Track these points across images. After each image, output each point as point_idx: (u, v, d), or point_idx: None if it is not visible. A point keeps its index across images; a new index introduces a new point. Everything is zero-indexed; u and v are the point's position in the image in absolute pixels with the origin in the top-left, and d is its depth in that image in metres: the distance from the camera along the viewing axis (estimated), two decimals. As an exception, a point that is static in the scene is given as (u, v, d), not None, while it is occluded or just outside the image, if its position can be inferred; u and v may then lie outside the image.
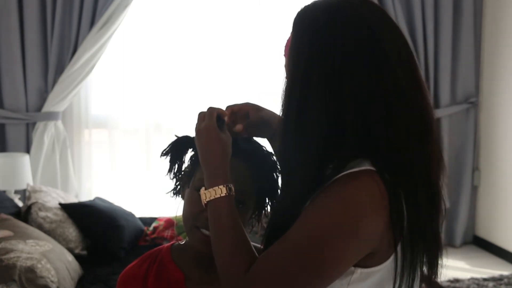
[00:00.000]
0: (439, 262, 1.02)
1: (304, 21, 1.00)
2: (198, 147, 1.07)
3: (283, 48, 1.07)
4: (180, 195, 1.19)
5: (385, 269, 0.95)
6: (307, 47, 0.96)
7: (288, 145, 0.98)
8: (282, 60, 1.07)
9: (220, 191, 1.01)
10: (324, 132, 0.93)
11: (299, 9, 1.01)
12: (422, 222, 0.95)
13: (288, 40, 1.05)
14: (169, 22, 4.21)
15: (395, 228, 0.92)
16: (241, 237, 0.99)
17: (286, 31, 1.09)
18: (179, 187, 1.18)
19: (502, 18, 4.16)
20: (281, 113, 1.00)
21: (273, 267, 0.92)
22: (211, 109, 1.09)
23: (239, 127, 1.13)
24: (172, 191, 1.19)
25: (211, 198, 1.01)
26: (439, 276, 1.02)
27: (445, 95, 4.27)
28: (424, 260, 0.98)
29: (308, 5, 1.01)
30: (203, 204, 1.03)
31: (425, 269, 1.00)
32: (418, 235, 0.95)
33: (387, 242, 0.93)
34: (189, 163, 1.17)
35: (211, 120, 1.07)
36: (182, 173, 1.17)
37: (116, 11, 3.79)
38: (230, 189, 1.01)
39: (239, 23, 4.29)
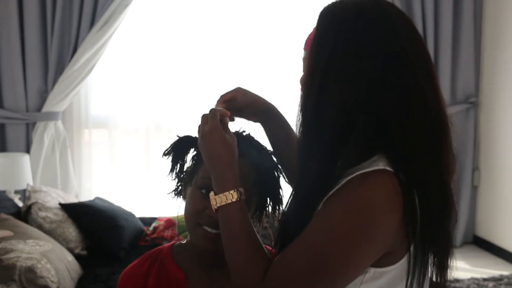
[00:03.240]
0: (449, 264, 1.01)
1: (331, 14, 0.99)
2: (203, 151, 1.05)
3: (304, 42, 1.07)
4: (181, 196, 1.19)
5: (397, 269, 0.96)
6: (332, 38, 0.95)
7: (305, 138, 0.97)
8: (300, 54, 1.08)
9: (231, 196, 1.00)
10: (339, 126, 0.93)
11: (326, 4, 1.01)
12: (434, 223, 0.95)
13: (310, 34, 1.05)
14: (169, 22, 4.21)
15: (409, 228, 0.92)
16: (255, 243, 0.98)
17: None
18: (180, 187, 1.18)
19: (502, 18, 4.16)
20: (299, 106, 0.99)
21: (290, 272, 0.91)
22: (213, 111, 1.08)
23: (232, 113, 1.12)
24: (174, 192, 1.19)
25: (222, 204, 1.00)
26: (448, 279, 1.01)
27: (445, 95, 4.17)
28: (435, 261, 0.99)
29: (336, 1, 1.01)
30: (213, 209, 1.02)
31: (434, 272, 1.00)
32: (430, 235, 0.95)
33: (401, 242, 0.93)
34: (191, 162, 1.17)
35: (214, 122, 1.05)
36: (184, 173, 1.17)
37: (116, 11, 3.79)
38: (240, 193, 1.00)
39: (239, 23, 4.29)
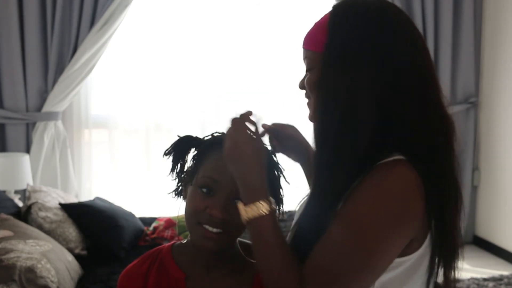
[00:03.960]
0: (456, 261, 1.06)
1: (354, 9, 0.99)
2: (231, 158, 1.01)
3: (304, 39, 1.05)
4: (181, 196, 1.19)
5: (415, 258, 0.97)
6: (361, 31, 0.96)
7: (334, 142, 0.96)
8: (298, 53, 1.07)
9: (262, 206, 0.98)
10: (370, 130, 0.95)
11: (342, 2, 1.02)
12: (447, 214, 0.98)
13: (311, 31, 1.04)
14: (169, 22, 4.21)
15: (431, 215, 0.95)
16: (289, 253, 0.97)
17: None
18: (181, 187, 1.18)
19: (502, 18, 4.16)
20: (319, 112, 0.99)
21: (326, 273, 0.92)
22: (243, 116, 1.07)
23: (275, 142, 1.11)
24: (174, 192, 1.19)
25: (254, 216, 0.98)
26: (456, 275, 1.07)
27: (445, 95, 4.26)
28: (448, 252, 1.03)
29: (349, 4, 1.02)
30: (244, 221, 1.00)
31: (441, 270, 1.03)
32: (443, 226, 0.98)
33: (421, 230, 0.96)
34: (192, 162, 1.16)
35: (244, 128, 1.03)
36: (185, 172, 1.17)
37: (116, 11, 3.79)
38: (271, 202, 0.99)
39: (239, 22, 4.29)
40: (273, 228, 0.97)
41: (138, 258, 1.21)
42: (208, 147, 1.14)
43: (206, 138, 1.17)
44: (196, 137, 1.17)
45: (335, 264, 0.91)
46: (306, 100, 1.09)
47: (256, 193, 0.99)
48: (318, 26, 1.03)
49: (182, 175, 1.17)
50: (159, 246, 1.23)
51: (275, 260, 0.95)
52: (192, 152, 1.17)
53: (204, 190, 1.09)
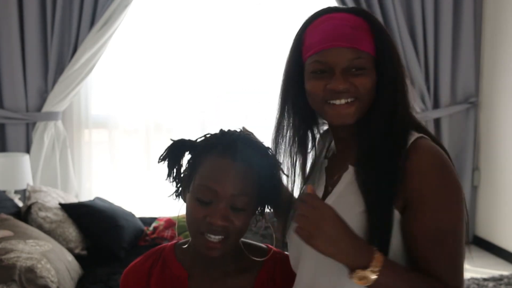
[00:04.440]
0: None
1: (376, 19, 1.13)
2: (328, 236, 0.97)
3: (348, 39, 1.07)
4: (181, 197, 1.19)
5: None
6: (396, 50, 1.13)
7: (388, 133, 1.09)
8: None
9: (371, 270, 0.97)
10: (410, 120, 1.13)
11: (368, 12, 1.15)
12: None
13: (354, 33, 1.07)
14: (169, 22, 4.21)
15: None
16: (414, 276, 1.01)
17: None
18: (180, 190, 1.18)
19: (502, 18, 4.16)
20: (393, 99, 1.10)
21: (454, 264, 1.03)
22: (312, 193, 1.03)
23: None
24: (174, 194, 1.19)
25: (371, 282, 0.97)
26: None
27: (445, 95, 4.27)
28: None
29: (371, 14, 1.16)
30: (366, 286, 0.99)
31: None
32: None
33: None
34: (186, 166, 1.16)
35: (323, 203, 1.00)
36: (182, 176, 1.17)
37: (116, 11, 3.79)
38: (376, 260, 0.97)
39: (239, 22, 4.29)
40: (395, 277, 1.00)
41: (141, 256, 1.22)
42: (202, 152, 1.13)
43: (199, 140, 1.16)
44: (189, 140, 1.16)
45: (455, 253, 1.04)
46: (342, 101, 1.08)
47: (360, 259, 0.98)
48: (358, 28, 1.08)
49: (180, 179, 1.17)
50: (162, 244, 1.23)
51: None
52: (187, 155, 1.17)
53: (202, 200, 1.09)
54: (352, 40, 1.06)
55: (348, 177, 1.11)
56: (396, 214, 1.04)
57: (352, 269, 0.98)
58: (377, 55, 1.08)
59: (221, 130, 1.16)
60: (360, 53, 1.06)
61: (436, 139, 1.12)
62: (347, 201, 1.08)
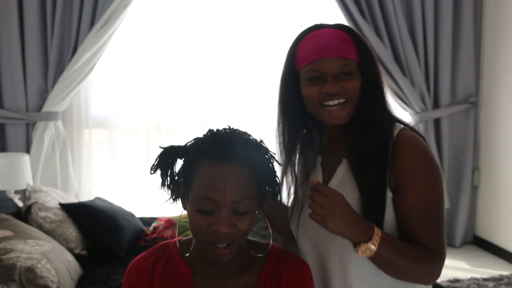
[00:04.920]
0: None
1: (356, 32, 1.34)
2: (341, 219, 1.18)
3: (338, 49, 1.26)
4: (180, 200, 1.16)
5: None
6: (371, 50, 1.33)
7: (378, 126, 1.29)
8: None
9: (372, 243, 1.18)
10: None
11: (349, 27, 1.34)
12: None
13: (341, 44, 1.26)
14: (169, 22, 4.21)
15: None
16: (408, 248, 1.22)
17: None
18: (176, 194, 1.15)
19: (502, 18, 4.16)
20: (380, 99, 1.31)
21: (438, 233, 1.24)
22: (320, 183, 1.23)
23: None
24: (171, 198, 1.16)
25: (373, 253, 1.19)
26: None
27: (445, 95, 4.27)
28: None
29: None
30: (367, 256, 1.20)
31: None
32: None
33: None
34: (181, 173, 1.12)
35: (333, 190, 1.20)
36: (177, 183, 1.14)
37: (116, 11, 3.79)
38: (375, 234, 1.19)
39: (239, 22, 4.29)
40: (392, 251, 1.20)
41: (145, 251, 1.22)
42: (195, 158, 1.09)
43: (189, 145, 1.13)
44: (179, 146, 1.13)
45: (438, 223, 1.25)
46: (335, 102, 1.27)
47: (362, 235, 1.19)
48: (344, 40, 1.28)
49: (175, 186, 1.14)
50: (166, 241, 1.23)
51: (411, 263, 1.22)
52: (180, 162, 1.13)
53: (203, 210, 1.07)
54: (340, 50, 1.25)
55: (342, 169, 1.32)
56: (389, 194, 1.25)
57: (356, 244, 1.19)
58: (360, 61, 1.28)
59: (211, 132, 1.12)
60: (347, 61, 1.26)
61: (414, 129, 1.33)
62: (343, 190, 1.24)
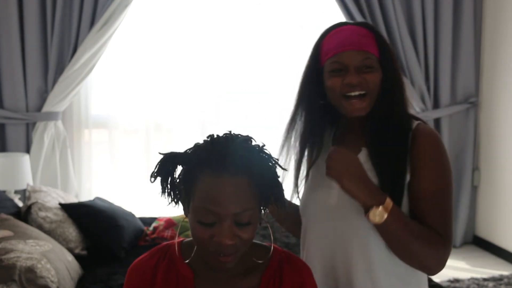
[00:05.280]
0: None
1: (377, 29, 1.42)
2: (351, 179, 1.25)
3: (358, 43, 1.33)
4: (181, 202, 1.15)
5: None
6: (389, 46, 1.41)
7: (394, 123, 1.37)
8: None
9: (384, 208, 1.24)
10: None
11: (370, 24, 1.43)
12: None
13: (363, 39, 1.34)
14: (169, 22, 4.21)
15: None
16: (416, 227, 1.27)
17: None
18: (177, 200, 1.13)
19: (502, 18, 4.16)
20: (399, 92, 1.38)
21: (446, 217, 1.31)
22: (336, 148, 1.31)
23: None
24: (172, 201, 1.14)
25: (382, 221, 1.24)
26: None
27: (445, 95, 4.27)
28: None
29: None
30: (376, 224, 1.26)
31: None
32: None
33: None
34: (181, 180, 1.11)
35: (349, 152, 1.29)
36: (178, 188, 1.12)
37: (116, 11, 3.79)
38: (387, 202, 1.25)
39: (239, 22, 4.29)
40: (400, 223, 1.26)
41: (147, 252, 1.21)
42: (195, 167, 1.07)
43: (189, 152, 1.10)
44: (179, 153, 1.10)
45: (448, 209, 1.32)
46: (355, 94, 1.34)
47: (377, 196, 1.26)
48: (365, 36, 1.35)
49: (175, 193, 1.12)
50: (168, 242, 1.23)
51: (416, 243, 1.27)
52: (180, 169, 1.11)
53: (204, 222, 1.05)
54: (362, 45, 1.33)
55: (362, 158, 1.36)
56: (407, 177, 1.32)
57: (368, 208, 1.24)
58: (380, 56, 1.35)
59: (211, 139, 1.09)
60: (368, 55, 1.33)
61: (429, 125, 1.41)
62: None
